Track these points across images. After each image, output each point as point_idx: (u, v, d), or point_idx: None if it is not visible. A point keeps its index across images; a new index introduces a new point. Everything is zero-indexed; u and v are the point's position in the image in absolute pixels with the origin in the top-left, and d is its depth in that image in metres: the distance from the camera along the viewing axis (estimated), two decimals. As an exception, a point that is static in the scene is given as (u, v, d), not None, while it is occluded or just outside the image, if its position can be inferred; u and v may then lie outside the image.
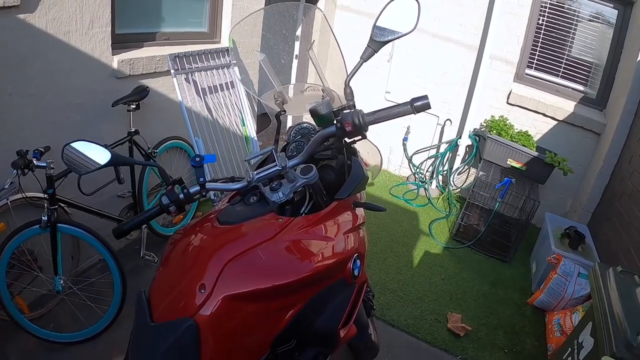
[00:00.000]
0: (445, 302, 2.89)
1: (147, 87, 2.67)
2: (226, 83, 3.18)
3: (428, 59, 4.21)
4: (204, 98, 3.03)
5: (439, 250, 3.49)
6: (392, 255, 3.32)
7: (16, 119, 2.26)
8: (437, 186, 4.31)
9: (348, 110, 1.27)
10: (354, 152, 1.51)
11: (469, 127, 4.06)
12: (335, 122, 1.26)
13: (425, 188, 4.30)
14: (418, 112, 1.20)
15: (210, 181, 1.25)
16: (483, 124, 4.05)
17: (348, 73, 1.31)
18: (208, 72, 3.05)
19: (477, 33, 3.94)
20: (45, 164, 2.08)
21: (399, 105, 1.23)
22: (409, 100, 1.20)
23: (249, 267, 1.05)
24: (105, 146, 1.24)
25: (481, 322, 2.78)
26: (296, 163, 1.28)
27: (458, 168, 4.22)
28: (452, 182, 4.24)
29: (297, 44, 4.10)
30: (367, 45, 1.30)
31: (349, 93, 1.31)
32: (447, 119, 4.23)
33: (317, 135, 1.28)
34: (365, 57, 1.31)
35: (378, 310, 2.66)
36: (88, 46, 2.41)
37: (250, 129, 3.31)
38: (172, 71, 2.74)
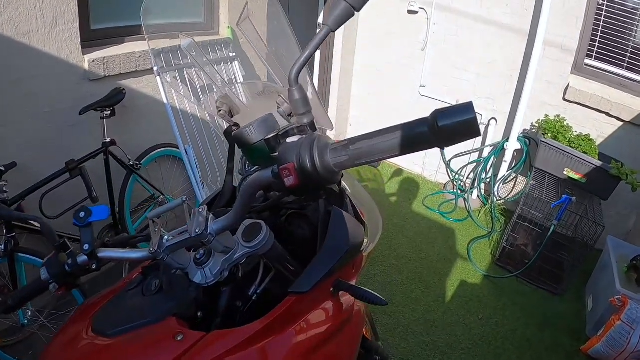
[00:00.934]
0: (481, 351, 2.41)
1: (124, 89, 2.38)
2: (226, 80, 2.80)
3: (469, 47, 3.70)
4: (197, 98, 2.67)
5: (478, 280, 3.00)
6: (420, 286, 2.86)
7: None
8: (478, 196, 3.80)
9: (295, 139, 0.72)
10: (339, 195, 1.00)
11: (517, 128, 3.51)
12: (273, 163, 0.72)
13: (464, 198, 3.80)
14: (446, 141, 0.61)
15: (110, 244, 0.92)
16: (535, 124, 3.50)
17: (295, 61, 0.77)
18: (204, 68, 2.68)
19: (527, 14, 3.37)
20: None
21: (409, 125, 0.63)
22: (429, 114, 0.61)
23: None
24: None
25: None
26: (221, 227, 0.78)
27: (504, 176, 3.69)
28: (496, 193, 3.71)
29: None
30: (322, 22, 0.78)
31: (298, 99, 0.78)
32: (492, 118, 3.70)
33: (247, 184, 0.76)
34: (320, 38, 0.75)
35: (396, 361, 2.25)
36: (53, 46, 2.18)
37: None
38: (156, 69, 2.41)
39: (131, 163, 2.46)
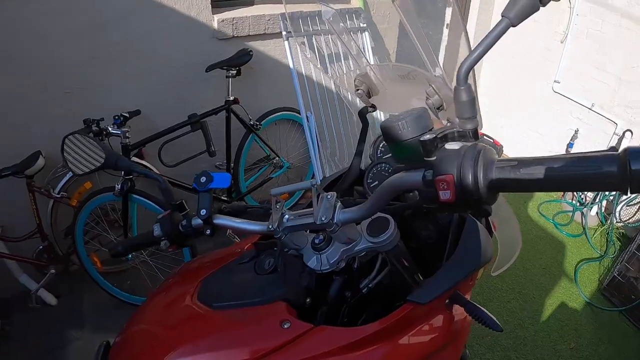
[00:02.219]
0: (564, 384, 2.29)
1: (251, 50, 2.46)
2: (354, 51, 2.79)
3: (612, 46, 3.33)
4: (324, 66, 2.71)
5: (578, 305, 2.82)
6: (518, 297, 2.76)
7: (104, 82, 2.27)
8: (597, 213, 3.51)
9: (456, 146, 0.63)
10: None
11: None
12: (425, 167, 0.64)
13: (582, 213, 3.53)
14: (638, 188, 0.50)
15: (225, 211, 0.92)
16: None
17: (467, 56, 0.66)
18: (331, 37, 2.70)
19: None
20: (119, 132, 2.05)
21: (592, 159, 0.53)
22: (614, 149, 0.56)
23: None
24: (104, 147, 0.99)
25: None
26: (350, 219, 0.74)
27: (629, 197, 3.36)
28: (617, 214, 3.40)
29: (448, 10, 3.47)
30: (502, 14, 0.63)
31: (465, 101, 0.65)
32: (627, 130, 3.35)
33: (388, 183, 0.69)
34: (499, 32, 0.63)
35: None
36: (183, 4, 2.30)
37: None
38: (285, 33, 2.46)
39: (251, 123, 2.57)
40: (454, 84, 0.66)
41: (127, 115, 2.19)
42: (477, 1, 3.86)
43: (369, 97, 1.11)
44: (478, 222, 0.83)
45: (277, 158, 2.81)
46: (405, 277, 0.82)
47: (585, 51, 3.50)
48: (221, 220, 0.86)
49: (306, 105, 2.56)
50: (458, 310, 0.90)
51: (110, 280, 2.48)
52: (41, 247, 2.39)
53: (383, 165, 1.09)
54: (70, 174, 2.30)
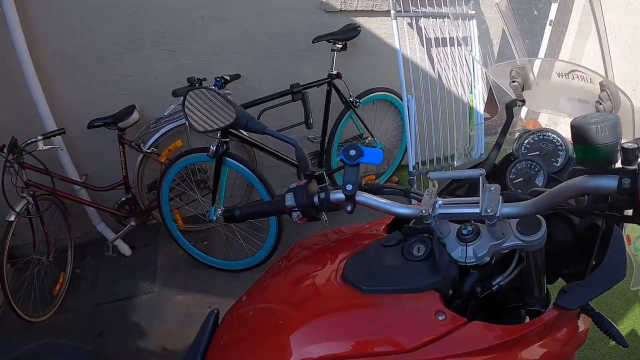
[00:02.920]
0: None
1: (359, 26, 2.44)
2: (460, 37, 2.76)
3: None
4: (428, 50, 2.68)
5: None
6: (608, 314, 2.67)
7: (208, 44, 2.31)
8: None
9: None
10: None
11: None
12: (620, 173, 0.65)
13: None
14: None
15: (366, 188, 0.89)
16: None
17: None
18: (439, 20, 2.66)
19: None
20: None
21: None
22: None
23: None
24: (235, 105, 0.94)
25: None
26: (515, 213, 0.73)
27: None
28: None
29: (554, 5, 3.34)
30: None
31: None
32: None
33: (573, 183, 0.70)
34: None
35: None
36: None
37: (479, 100, 2.86)
38: (393, 12, 2.43)
39: (351, 99, 2.55)
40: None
41: (227, 78, 2.19)
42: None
43: (522, 90, 1.09)
44: (622, 238, 0.80)
45: (370, 138, 2.79)
46: (535, 279, 0.82)
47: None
48: (364, 197, 0.83)
49: (408, 88, 2.52)
50: (585, 322, 0.89)
51: (189, 239, 2.53)
52: (124, 198, 2.45)
53: (529, 162, 1.07)
54: (163, 131, 2.33)
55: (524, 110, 3.18)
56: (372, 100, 2.72)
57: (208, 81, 2.20)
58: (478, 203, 0.73)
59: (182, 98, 1.06)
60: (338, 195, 0.84)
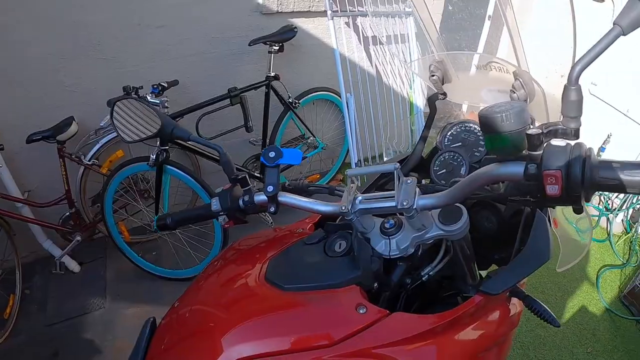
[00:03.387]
0: (577, 387, 2.32)
1: (296, 27, 2.46)
2: (397, 35, 2.80)
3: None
4: (366, 49, 2.71)
5: (598, 310, 2.85)
6: (541, 297, 2.79)
7: (145, 51, 2.29)
8: (623, 221, 3.52)
9: (562, 143, 0.64)
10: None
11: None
12: (526, 160, 0.67)
13: (608, 218, 3.54)
14: None
15: (291, 189, 0.92)
16: None
17: (580, 59, 0.68)
18: (376, 19, 2.70)
19: None
20: (158, 102, 2.06)
21: None
22: None
23: None
24: (160, 114, 0.94)
25: None
26: (431, 205, 0.75)
27: (658, 207, 3.37)
28: (644, 223, 3.42)
29: (491, 2, 3.43)
30: (615, 22, 0.65)
31: (574, 101, 0.67)
32: (665, 139, 3.34)
33: (483, 172, 0.70)
34: (610, 39, 0.65)
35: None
36: None
37: (419, 96, 2.92)
38: (330, 12, 2.46)
39: (290, 100, 2.57)
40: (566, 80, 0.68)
41: (165, 85, 2.18)
42: None
43: (442, 84, 1.11)
44: (547, 219, 0.83)
45: (312, 138, 2.82)
46: (463, 266, 0.84)
47: (624, 55, 3.48)
48: (286, 198, 0.85)
49: (346, 87, 2.55)
50: (516, 305, 0.93)
51: (136, 250, 2.51)
52: (68, 213, 2.41)
53: (451, 154, 1.10)
54: (103, 142, 2.30)
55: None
56: (312, 100, 2.75)
57: (145, 88, 2.18)
58: (392, 199, 0.75)
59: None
60: (261, 197, 0.86)
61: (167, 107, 2.13)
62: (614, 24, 0.65)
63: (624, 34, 0.66)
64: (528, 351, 2.42)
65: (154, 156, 2.11)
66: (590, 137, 3.75)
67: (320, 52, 2.72)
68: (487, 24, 3.46)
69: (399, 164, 0.77)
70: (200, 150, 2.28)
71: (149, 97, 2.10)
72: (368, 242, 0.82)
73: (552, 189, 0.62)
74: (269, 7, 2.41)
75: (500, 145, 0.73)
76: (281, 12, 2.46)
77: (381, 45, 2.77)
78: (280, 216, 1.58)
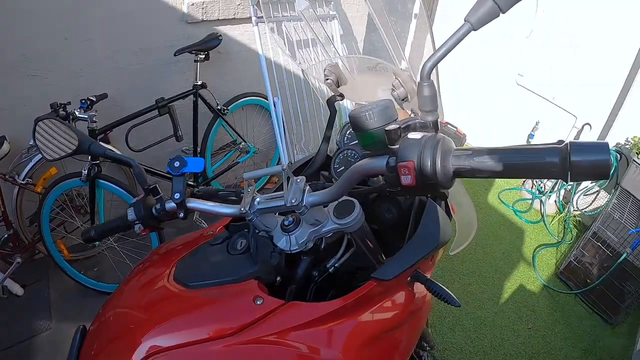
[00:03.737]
0: (522, 360, 2.45)
1: (220, 35, 2.50)
2: (322, 38, 2.86)
3: (578, 42, 3.49)
4: (292, 52, 2.78)
5: (536, 288, 3.00)
6: (479, 280, 2.91)
7: (74, 65, 2.28)
8: (555, 202, 3.71)
9: (418, 136, 0.69)
10: None
11: (612, 140, 3.35)
12: (389, 154, 0.72)
13: (541, 201, 3.72)
14: (574, 177, 0.57)
15: (198, 195, 0.97)
16: (631, 140, 3.31)
17: (431, 55, 0.72)
18: (301, 23, 2.78)
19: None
20: (86, 117, 2.07)
21: (538, 150, 0.61)
22: (561, 142, 0.61)
23: None
24: (77, 131, 1.00)
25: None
26: (319, 201, 0.81)
27: (586, 187, 3.56)
28: (574, 202, 3.61)
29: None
30: (465, 18, 0.70)
31: (427, 96, 0.71)
32: (587, 123, 3.53)
33: (355, 168, 0.76)
34: (460, 35, 0.70)
35: (439, 352, 2.33)
36: None
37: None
38: (254, 19, 2.52)
39: (219, 107, 2.61)
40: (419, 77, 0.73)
41: (93, 99, 2.18)
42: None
43: (338, 86, 1.18)
44: (437, 206, 0.91)
45: (243, 143, 2.86)
46: (369, 256, 0.91)
47: (550, 46, 3.66)
48: (194, 203, 0.91)
49: (273, 91, 2.61)
50: (419, 289, 0.98)
51: (77, 268, 2.49)
52: (6, 235, 2.37)
53: (349, 151, 1.18)
54: (35, 160, 2.28)
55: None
56: (242, 106, 2.80)
57: (74, 104, 2.17)
58: (280, 199, 0.82)
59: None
60: (172, 205, 0.91)
61: (95, 122, 2.13)
62: (464, 20, 0.70)
63: (475, 30, 0.70)
64: (469, 332, 2.52)
65: (86, 171, 2.12)
66: (519, 125, 3.94)
67: (247, 58, 2.78)
68: (414, 22, 3.58)
69: (285, 166, 0.84)
70: (145, 167, 2.31)
71: (77, 113, 2.10)
72: (271, 239, 0.88)
73: (406, 179, 0.66)
74: (194, 16, 2.45)
75: (370, 141, 0.78)
76: (206, 20, 2.50)
77: (307, 49, 2.85)
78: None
